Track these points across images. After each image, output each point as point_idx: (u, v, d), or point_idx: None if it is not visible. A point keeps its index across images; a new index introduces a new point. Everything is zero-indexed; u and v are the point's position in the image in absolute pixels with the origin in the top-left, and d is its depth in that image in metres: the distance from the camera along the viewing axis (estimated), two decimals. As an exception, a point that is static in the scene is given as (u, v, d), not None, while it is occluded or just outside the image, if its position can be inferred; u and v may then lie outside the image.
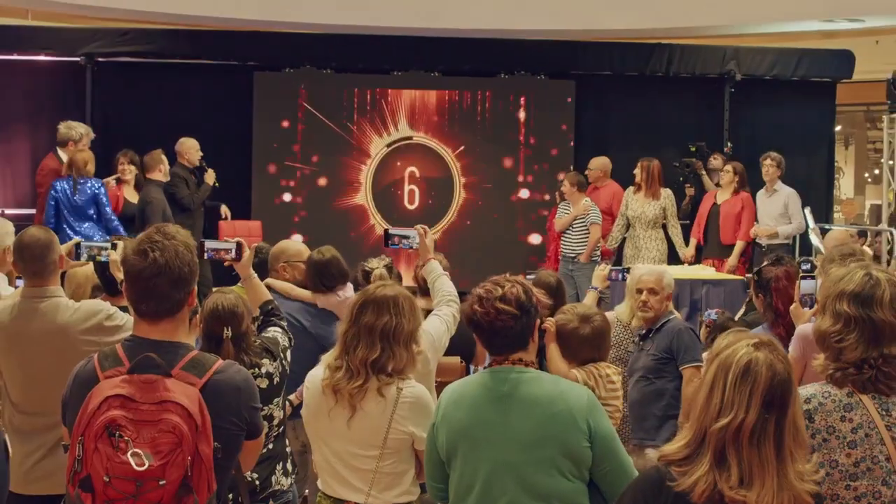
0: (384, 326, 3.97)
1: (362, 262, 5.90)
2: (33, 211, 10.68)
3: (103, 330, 4.50)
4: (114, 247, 5.03)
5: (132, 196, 10.40)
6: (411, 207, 13.14)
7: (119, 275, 4.92)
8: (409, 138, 13.16)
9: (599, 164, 11.74)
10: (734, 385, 2.76)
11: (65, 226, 9.51)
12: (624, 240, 11.29)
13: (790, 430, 2.77)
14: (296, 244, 6.65)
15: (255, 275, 5.04)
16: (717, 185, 11.47)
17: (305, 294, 6.10)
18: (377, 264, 5.79)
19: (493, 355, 3.78)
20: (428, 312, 4.87)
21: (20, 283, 6.03)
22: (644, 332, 6.32)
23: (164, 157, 10.70)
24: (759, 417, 2.73)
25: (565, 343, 5.07)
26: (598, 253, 11.04)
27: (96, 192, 9.70)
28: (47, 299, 4.53)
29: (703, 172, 11.80)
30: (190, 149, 11.02)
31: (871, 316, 3.22)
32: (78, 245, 5.08)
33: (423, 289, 5.78)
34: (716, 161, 11.81)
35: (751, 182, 11.19)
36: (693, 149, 12.23)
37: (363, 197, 13.04)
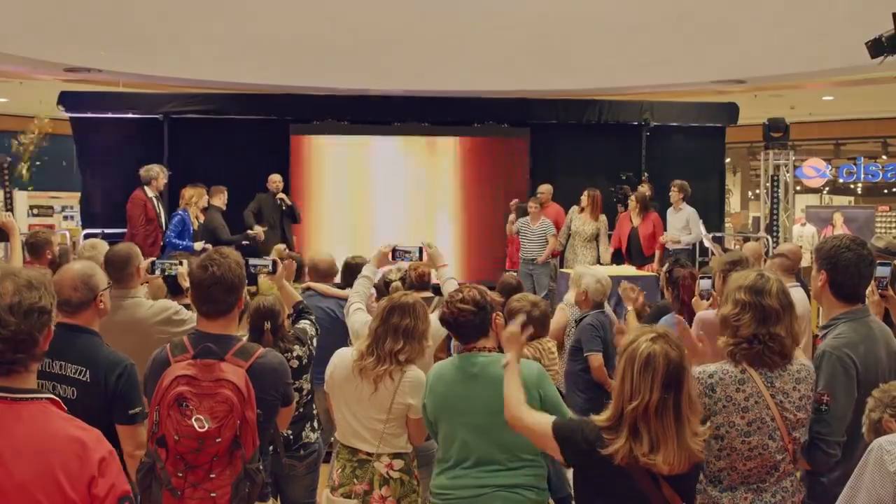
0: (406, 326, 3.96)
1: (384, 273, 5.84)
2: (125, 230, 10.67)
3: (171, 322, 4.50)
4: (180, 263, 5.04)
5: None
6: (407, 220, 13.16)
7: (184, 284, 4.94)
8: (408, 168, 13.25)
9: (546, 189, 11.76)
10: (639, 373, 2.77)
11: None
12: (566, 247, 11.30)
13: (686, 401, 2.78)
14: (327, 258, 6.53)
15: (287, 284, 4.99)
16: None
17: (338, 292, 6.10)
18: (395, 276, 5.75)
19: (462, 343, 3.79)
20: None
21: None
22: (577, 318, 6.32)
23: (224, 190, 10.74)
24: (660, 397, 2.74)
25: None
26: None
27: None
28: (129, 299, 4.54)
29: (630, 196, 11.77)
30: (273, 180, 11.47)
31: (762, 302, 3.22)
32: (153, 262, 5.09)
33: (414, 286, 5.79)
34: (643, 188, 11.76)
35: (663, 201, 11.24)
36: (624, 177, 12.24)
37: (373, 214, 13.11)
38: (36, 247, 6.64)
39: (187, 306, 4.72)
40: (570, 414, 3.65)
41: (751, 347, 3.22)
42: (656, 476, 2.76)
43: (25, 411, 2.13)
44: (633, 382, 2.77)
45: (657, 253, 10.62)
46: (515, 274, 7.26)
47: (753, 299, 3.24)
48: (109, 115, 12.47)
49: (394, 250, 5.06)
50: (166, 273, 5.07)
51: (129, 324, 4.45)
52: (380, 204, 13.17)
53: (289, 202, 11.55)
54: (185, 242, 9.85)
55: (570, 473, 3.24)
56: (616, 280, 9.04)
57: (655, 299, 7.42)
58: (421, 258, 5.05)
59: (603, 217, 11.25)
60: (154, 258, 5.18)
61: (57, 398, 2.23)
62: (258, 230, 10.83)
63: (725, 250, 10.84)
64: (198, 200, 10.21)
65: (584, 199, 11.19)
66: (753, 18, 11.29)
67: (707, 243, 11.40)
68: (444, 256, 5.04)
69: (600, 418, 2.87)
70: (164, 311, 4.55)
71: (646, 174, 12.62)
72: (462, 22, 11.90)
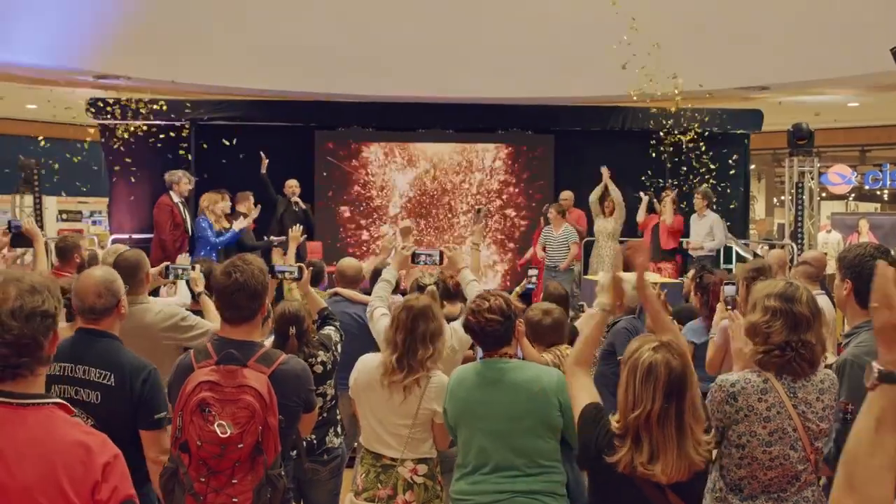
0: (432, 331, 3.94)
1: (417, 277, 5.80)
2: (151, 235, 10.75)
3: (178, 329, 4.51)
4: (193, 268, 5.05)
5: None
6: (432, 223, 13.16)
7: (196, 289, 4.95)
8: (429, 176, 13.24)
9: (567, 195, 11.78)
10: (641, 383, 2.75)
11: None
12: (590, 251, 11.23)
13: (689, 410, 2.75)
14: (355, 264, 6.52)
15: (312, 290, 4.98)
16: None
17: (366, 298, 6.06)
18: (429, 280, 5.69)
19: (484, 351, 3.78)
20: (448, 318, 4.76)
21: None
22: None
23: (250, 196, 10.75)
24: (662, 406, 2.72)
25: (534, 331, 4.99)
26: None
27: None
28: (137, 305, 4.48)
29: (655, 200, 11.71)
30: (290, 185, 11.40)
31: (793, 309, 3.20)
32: (167, 266, 5.10)
33: (450, 293, 5.64)
34: (667, 195, 11.66)
35: (686, 208, 11.18)
36: (649, 184, 12.23)
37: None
38: (64, 251, 6.68)
39: (198, 312, 4.75)
40: None
41: (783, 355, 3.19)
42: (661, 484, 2.74)
43: (31, 416, 2.13)
44: (635, 392, 2.76)
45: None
46: (559, 285, 7.20)
47: (784, 306, 3.21)
48: (139, 122, 12.57)
49: (414, 254, 5.04)
50: (180, 278, 5.08)
51: (136, 329, 4.43)
52: (402, 210, 13.21)
53: (303, 206, 11.43)
54: (227, 236, 9.90)
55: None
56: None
57: (679, 303, 7.38)
58: (441, 262, 5.03)
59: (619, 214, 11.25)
60: (168, 263, 5.19)
61: (65, 402, 2.22)
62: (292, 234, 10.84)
63: (756, 255, 10.80)
64: (211, 205, 10.19)
65: (611, 203, 11.19)
66: (777, 25, 11.23)
67: (738, 248, 11.31)
68: (465, 259, 5.03)
69: (613, 420, 2.87)
70: (172, 318, 4.55)
71: (670, 181, 12.57)
72: (487, 29, 11.92)
